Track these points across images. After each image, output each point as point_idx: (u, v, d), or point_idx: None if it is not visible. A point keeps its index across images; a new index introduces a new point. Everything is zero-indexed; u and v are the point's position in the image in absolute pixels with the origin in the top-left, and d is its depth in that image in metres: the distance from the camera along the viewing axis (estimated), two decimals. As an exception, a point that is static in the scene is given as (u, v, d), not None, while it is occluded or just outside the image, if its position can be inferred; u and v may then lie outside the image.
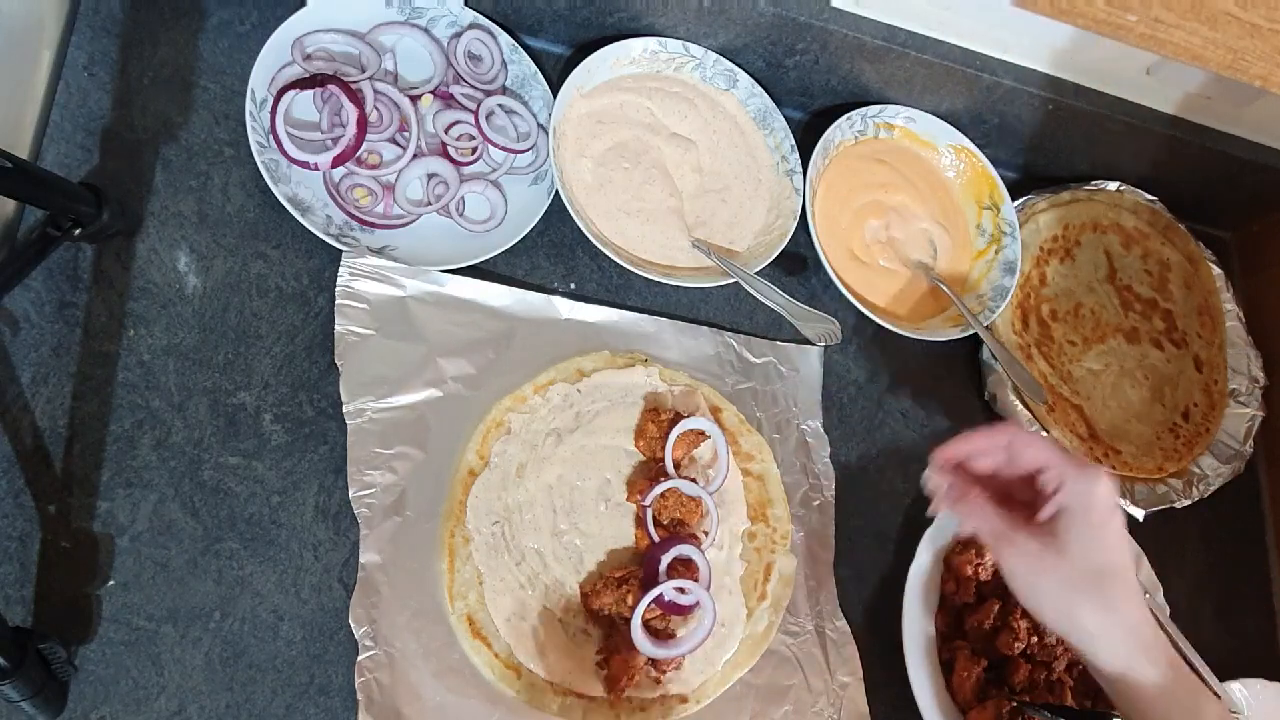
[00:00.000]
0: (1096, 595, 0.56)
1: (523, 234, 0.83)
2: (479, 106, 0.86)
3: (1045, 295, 1.03)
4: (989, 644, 0.83)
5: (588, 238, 0.84)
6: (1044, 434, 0.95)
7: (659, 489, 0.77)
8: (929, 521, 0.86)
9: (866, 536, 0.88)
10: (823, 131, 0.95)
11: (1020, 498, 0.61)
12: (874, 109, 0.99)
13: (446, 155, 0.85)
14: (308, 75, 0.80)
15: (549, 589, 0.75)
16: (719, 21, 0.90)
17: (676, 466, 0.80)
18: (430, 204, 0.83)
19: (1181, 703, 0.56)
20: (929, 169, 1.03)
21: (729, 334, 0.89)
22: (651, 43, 0.92)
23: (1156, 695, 0.56)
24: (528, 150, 0.87)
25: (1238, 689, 0.89)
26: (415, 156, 0.83)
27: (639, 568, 0.76)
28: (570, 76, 0.88)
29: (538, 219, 0.84)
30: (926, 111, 1.00)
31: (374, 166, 0.82)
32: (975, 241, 1.02)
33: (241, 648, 0.68)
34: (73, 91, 0.76)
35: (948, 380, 0.98)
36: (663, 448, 0.79)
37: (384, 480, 0.73)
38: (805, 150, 0.95)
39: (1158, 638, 0.57)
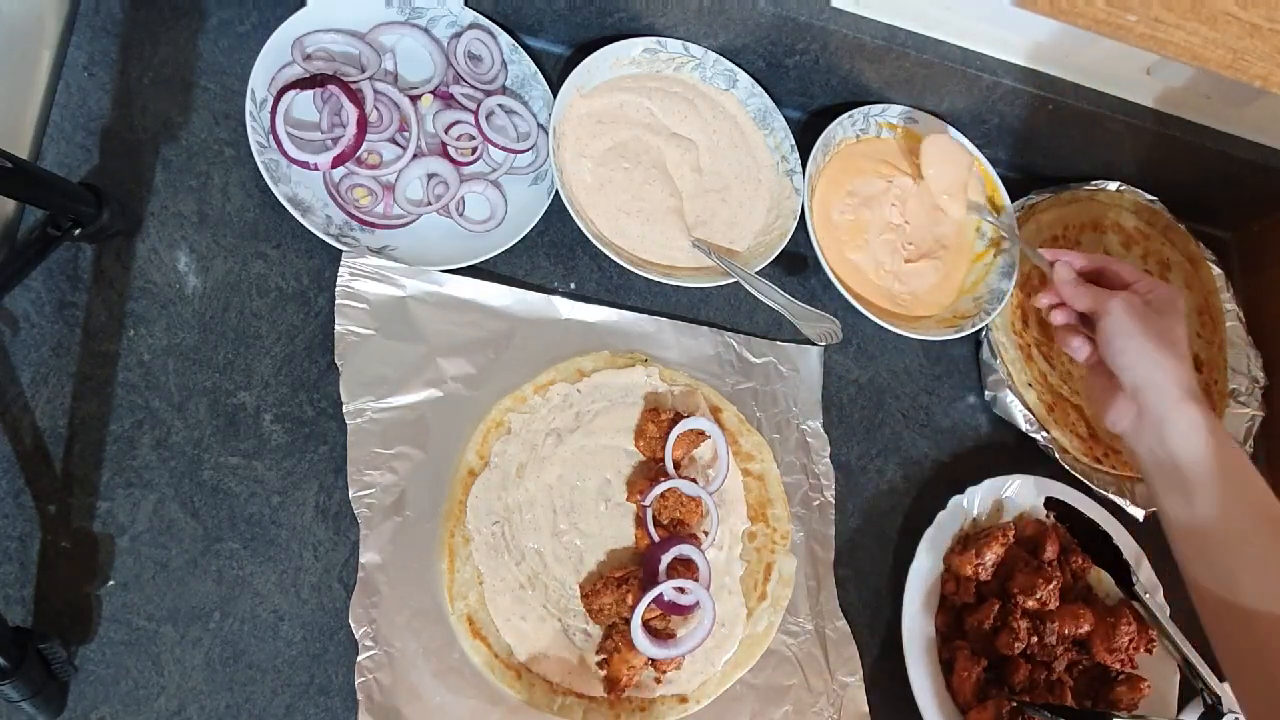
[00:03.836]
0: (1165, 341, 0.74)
1: (523, 234, 0.83)
2: (479, 106, 0.86)
3: (1045, 295, 1.03)
4: (989, 644, 0.83)
5: (588, 238, 0.84)
6: (1043, 434, 0.95)
7: (659, 489, 0.77)
8: (929, 521, 0.86)
9: (866, 536, 0.88)
10: (822, 131, 0.95)
11: None
12: (877, 108, 0.99)
13: (446, 155, 0.85)
14: (308, 75, 0.80)
15: (549, 589, 0.75)
16: (719, 21, 0.90)
17: (676, 466, 0.80)
18: (430, 204, 0.83)
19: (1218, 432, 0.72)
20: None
21: (729, 334, 0.89)
22: (651, 42, 0.92)
23: (1207, 421, 0.71)
24: (528, 150, 0.87)
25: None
26: (415, 156, 0.83)
27: (639, 568, 0.76)
28: (570, 76, 0.88)
29: (538, 219, 0.84)
30: (927, 112, 1.00)
31: (374, 166, 0.82)
32: (974, 244, 1.01)
33: (241, 648, 0.68)
34: (73, 91, 0.77)
35: (947, 380, 0.98)
36: (663, 448, 0.79)
37: (384, 480, 0.73)
38: (805, 150, 0.94)
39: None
